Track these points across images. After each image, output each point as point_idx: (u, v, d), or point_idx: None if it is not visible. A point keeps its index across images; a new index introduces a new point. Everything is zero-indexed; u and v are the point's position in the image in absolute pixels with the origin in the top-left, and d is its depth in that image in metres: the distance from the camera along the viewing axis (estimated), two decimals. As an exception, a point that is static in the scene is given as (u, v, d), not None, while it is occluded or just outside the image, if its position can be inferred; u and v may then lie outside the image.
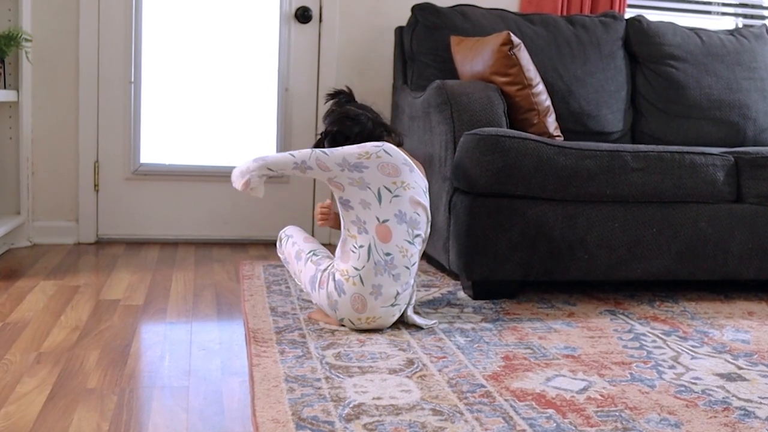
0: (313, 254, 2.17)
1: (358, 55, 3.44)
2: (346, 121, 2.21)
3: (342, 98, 2.31)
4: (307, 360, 1.86)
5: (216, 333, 2.12)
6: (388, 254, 2.06)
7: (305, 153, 2.07)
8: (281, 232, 2.31)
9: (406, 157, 2.13)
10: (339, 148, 2.09)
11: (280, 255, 2.29)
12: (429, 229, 2.19)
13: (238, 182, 2.08)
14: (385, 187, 2.07)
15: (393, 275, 2.07)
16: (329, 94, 2.33)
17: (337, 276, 2.07)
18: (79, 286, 2.53)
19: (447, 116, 2.58)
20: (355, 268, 2.05)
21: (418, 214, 2.11)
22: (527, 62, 2.72)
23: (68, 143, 3.23)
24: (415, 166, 2.15)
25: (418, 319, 2.17)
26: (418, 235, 2.12)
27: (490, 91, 2.64)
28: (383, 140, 2.20)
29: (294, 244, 2.23)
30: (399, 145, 2.23)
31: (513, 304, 2.49)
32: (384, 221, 2.06)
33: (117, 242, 3.30)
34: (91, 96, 3.22)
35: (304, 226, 3.41)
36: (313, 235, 2.38)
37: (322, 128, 2.28)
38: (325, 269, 2.12)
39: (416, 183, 2.13)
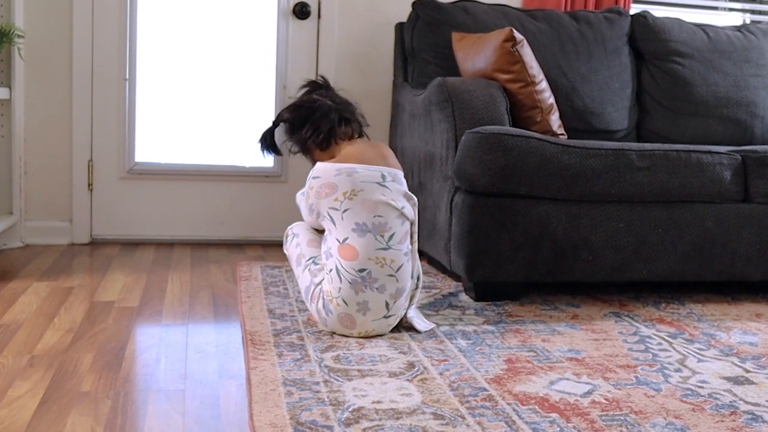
0: (313, 262, 2.14)
1: (357, 52, 3.44)
2: (299, 110, 2.25)
3: (314, 88, 2.31)
4: (306, 363, 1.86)
5: (212, 335, 2.11)
6: (362, 270, 2.02)
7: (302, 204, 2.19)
8: (289, 228, 2.28)
9: (337, 167, 2.09)
10: (301, 209, 2.18)
11: (285, 252, 2.29)
12: (416, 214, 2.14)
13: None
14: (331, 208, 2.07)
15: (377, 288, 2.03)
16: (302, 86, 2.34)
17: (324, 296, 2.07)
18: (72, 288, 2.53)
19: (448, 114, 2.58)
20: (336, 290, 2.04)
21: (380, 216, 2.05)
22: (530, 59, 2.72)
23: (61, 142, 3.23)
24: (358, 166, 2.09)
25: (416, 323, 2.16)
26: (391, 236, 2.05)
27: (492, 88, 2.64)
28: (335, 129, 2.21)
29: (297, 245, 2.21)
30: (356, 135, 2.24)
31: (516, 306, 2.49)
32: (344, 240, 2.04)
33: (111, 243, 3.30)
34: (84, 93, 3.22)
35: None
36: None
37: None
38: (319, 283, 2.09)
39: (364, 181, 2.06)
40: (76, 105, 3.21)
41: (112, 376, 1.76)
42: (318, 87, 2.32)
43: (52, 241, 3.24)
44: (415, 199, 2.16)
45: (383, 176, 2.10)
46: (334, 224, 2.06)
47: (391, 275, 2.05)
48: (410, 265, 2.11)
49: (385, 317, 2.07)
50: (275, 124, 2.32)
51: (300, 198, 2.21)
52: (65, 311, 2.26)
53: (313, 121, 2.22)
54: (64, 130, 3.23)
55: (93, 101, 3.24)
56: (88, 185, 3.27)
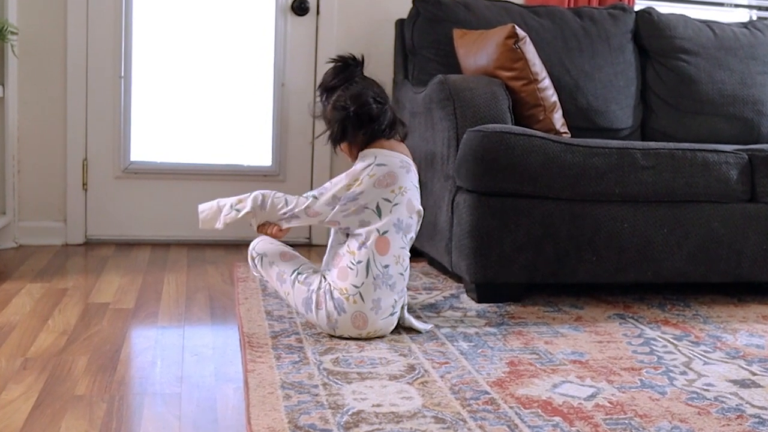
0: (298, 273, 2.09)
1: (357, 49, 3.40)
2: (373, 104, 2.09)
3: (352, 68, 2.17)
4: (304, 366, 1.86)
5: (209, 338, 2.11)
6: (386, 266, 2.05)
7: (296, 202, 2.08)
8: (251, 249, 2.17)
9: (404, 158, 2.12)
10: (327, 187, 2.07)
11: (256, 275, 2.20)
12: (422, 211, 2.17)
13: (213, 216, 2.13)
14: (384, 199, 2.05)
15: (390, 285, 2.06)
16: (334, 60, 2.18)
17: (336, 294, 2.03)
18: (67, 289, 2.53)
19: (450, 112, 2.58)
20: (355, 286, 2.03)
21: (411, 218, 2.11)
22: (533, 56, 2.72)
23: (56, 140, 3.23)
24: (413, 165, 2.15)
25: (416, 324, 2.17)
26: (410, 239, 2.13)
27: (494, 86, 2.64)
28: (391, 136, 2.12)
29: (272, 264, 2.13)
30: (404, 139, 2.21)
31: (518, 307, 2.49)
32: (384, 233, 2.05)
33: (106, 243, 3.30)
34: (79, 91, 3.22)
35: (303, 226, 3.41)
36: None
37: (317, 97, 2.18)
38: (318, 288, 2.06)
39: (412, 184, 2.12)
40: (71, 103, 3.21)
41: (107, 380, 1.76)
42: (348, 66, 2.18)
43: (46, 242, 3.24)
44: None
45: (418, 182, 2.16)
46: (380, 215, 2.04)
47: (401, 273, 2.09)
48: (409, 269, 2.15)
49: (391, 315, 2.09)
50: (347, 115, 2.09)
51: (325, 189, 2.08)
52: (59, 313, 2.26)
53: (378, 123, 2.10)
54: (59, 128, 3.23)
55: (88, 99, 3.24)
56: (83, 185, 3.27)
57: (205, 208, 2.18)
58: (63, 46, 3.19)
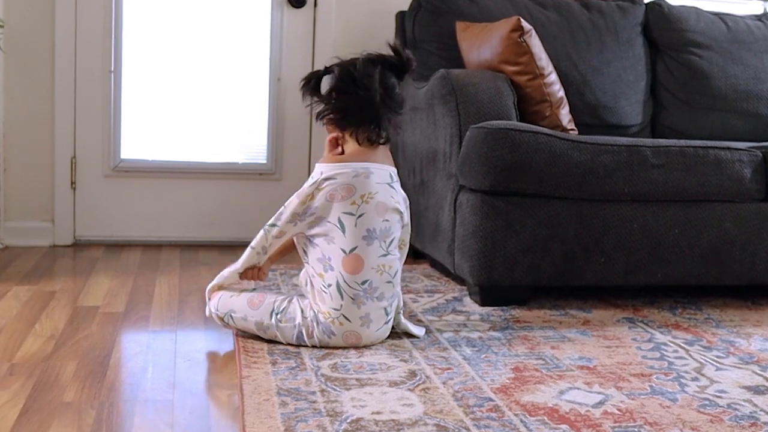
0: (276, 314, 2.03)
1: (356, 42, 3.43)
2: (357, 82, 2.03)
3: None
4: (301, 371, 1.86)
5: (203, 342, 2.12)
6: (364, 282, 2.00)
7: (259, 237, 2.10)
8: (213, 311, 2.11)
9: (353, 166, 2.01)
10: (281, 211, 2.05)
11: (232, 329, 2.12)
12: (408, 216, 2.12)
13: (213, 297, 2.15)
14: (346, 213, 1.99)
15: (376, 297, 2.02)
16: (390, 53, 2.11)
17: (321, 318, 2.01)
18: (54, 292, 2.53)
19: (452, 108, 2.58)
20: (335, 309, 2.00)
21: (387, 221, 2.04)
22: (539, 50, 2.72)
23: (43, 137, 3.23)
24: (371, 165, 2.03)
25: (412, 329, 2.17)
26: (392, 241, 2.05)
27: (498, 81, 2.64)
28: (373, 131, 2.05)
29: (245, 319, 2.05)
30: (385, 142, 2.10)
31: (523, 311, 2.49)
32: (351, 251, 1.99)
33: (96, 244, 3.31)
34: (67, 86, 3.22)
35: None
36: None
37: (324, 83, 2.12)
38: (303, 317, 2.01)
39: (379, 183, 2.04)
40: (59, 98, 3.21)
41: (96, 386, 1.76)
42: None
43: (32, 243, 3.24)
44: (408, 200, 2.16)
45: (391, 176, 2.10)
46: (344, 232, 1.99)
47: (389, 282, 2.05)
48: (400, 271, 2.11)
49: (386, 323, 2.08)
50: (328, 71, 2.09)
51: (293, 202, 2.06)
52: (47, 317, 2.26)
53: (364, 106, 2.05)
54: (46, 125, 3.23)
55: (76, 95, 3.24)
56: (71, 183, 3.27)
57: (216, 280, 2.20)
58: (51, 39, 3.19)
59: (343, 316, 2.00)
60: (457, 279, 2.83)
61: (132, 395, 1.72)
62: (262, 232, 2.10)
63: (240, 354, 1.96)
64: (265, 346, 2.03)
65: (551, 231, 2.45)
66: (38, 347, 2.00)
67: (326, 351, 2.01)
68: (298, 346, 2.03)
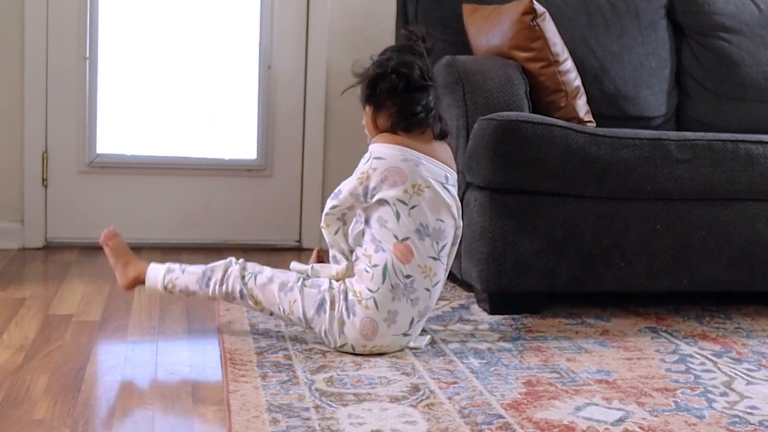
0: (304, 279, 2.11)
1: (353, 27, 3.44)
2: (417, 72, 2.07)
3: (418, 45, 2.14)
4: (294, 386, 1.86)
5: (186, 354, 2.12)
6: (408, 276, 2.05)
7: (325, 220, 2.15)
8: (237, 268, 2.15)
9: (402, 150, 2.07)
10: (340, 188, 2.11)
11: (237, 298, 2.14)
12: (461, 222, 2.17)
13: None
14: (400, 201, 2.05)
15: (411, 300, 2.06)
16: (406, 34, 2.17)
17: (350, 296, 2.06)
18: (24, 299, 2.53)
19: (458, 98, 2.58)
20: (369, 290, 2.04)
21: (442, 221, 2.09)
22: (553, 35, 2.72)
23: (11, 130, 3.23)
24: (422, 157, 2.09)
25: (413, 341, 2.17)
26: (444, 246, 2.10)
27: (509, 68, 2.64)
28: (423, 126, 2.11)
29: (270, 280, 2.12)
30: (440, 137, 2.15)
31: (536, 319, 2.49)
32: (404, 239, 2.05)
33: (69, 247, 3.30)
34: (38, 74, 3.22)
35: (292, 227, 3.42)
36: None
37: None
38: (330, 287, 2.08)
39: (430, 177, 2.08)
40: (29, 88, 3.21)
41: (69, 401, 1.76)
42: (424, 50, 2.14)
43: (0, 246, 3.24)
44: (461, 210, 2.19)
45: (446, 177, 2.13)
46: (397, 219, 2.05)
47: (427, 289, 2.08)
48: (441, 287, 2.15)
49: (404, 335, 2.10)
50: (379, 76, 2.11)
51: (345, 186, 2.11)
52: (15, 326, 2.26)
53: (413, 100, 2.09)
54: (15, 116, 3.23)
55: (48, 84, 3.24)
56: (43, 180, 3.27)
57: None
58: (20, 23, 3.19)
59: (374, 300, 2.03)
60: (464, 285, 2.83)
61: (108, 412, 1.72)
62: (326, 210, 2.14)
63: (227, 366, 1.96)
64: (254, 357, 2.03)
65: (566, 232, 2.45)
66: (6, 359, 2.00)
67: (321, 363, 2.01)
68: (288, 360, 2.03)
